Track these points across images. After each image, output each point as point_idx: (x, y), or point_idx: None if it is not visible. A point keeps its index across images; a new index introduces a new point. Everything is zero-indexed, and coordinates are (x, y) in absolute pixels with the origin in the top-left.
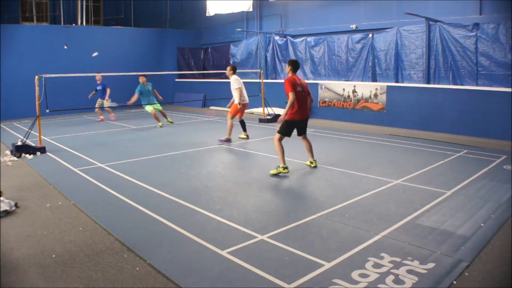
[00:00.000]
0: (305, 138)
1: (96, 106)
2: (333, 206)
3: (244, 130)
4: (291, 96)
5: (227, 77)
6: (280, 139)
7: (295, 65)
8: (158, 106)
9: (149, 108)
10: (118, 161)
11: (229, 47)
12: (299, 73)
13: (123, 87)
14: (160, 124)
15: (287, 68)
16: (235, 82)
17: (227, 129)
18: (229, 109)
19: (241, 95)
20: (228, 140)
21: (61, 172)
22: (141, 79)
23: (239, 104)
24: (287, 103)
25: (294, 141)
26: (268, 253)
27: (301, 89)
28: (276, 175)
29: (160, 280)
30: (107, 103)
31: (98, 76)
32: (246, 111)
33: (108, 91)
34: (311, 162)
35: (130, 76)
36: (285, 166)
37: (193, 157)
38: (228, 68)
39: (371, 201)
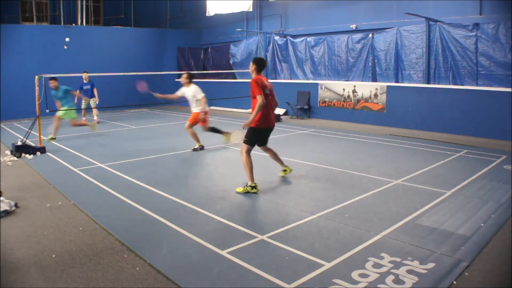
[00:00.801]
0: (267, 148)
1: (82, 107)
2: (333, 206)
3: (221, 132)
4: (259, 99)
5: (227, 77)
6: (248, 151)
7: (260, 64)
8: (69, 114)
9: (59, 113)
10: (118, 161)
11: (229, 47)
12: (299, 73)
13: (122, 87)
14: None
15: (251, 67)
16: (198, 90)
17: (193, 138)
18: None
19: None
20: (202, 148)
21: (61, 172)
22: (52, 84)
23: (203, 113)
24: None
25: (293, 141)
26: (268, 253)
27: (268, 92)
28: (243, 193)
29: (160, 280)
30: (93, 103)
31: (85, 75)
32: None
33: (95, 91)
34: (285, 170)
35: (130, 76)
36: (253, 184)
37: (193, 157)
38: (185, 76)
39: (371, 201)
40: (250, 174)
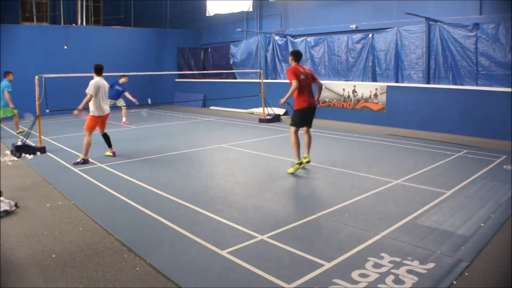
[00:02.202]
0: (308, 132)
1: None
2: (333, 206)
3: (110, 145)
4: (293, 83)
5: (227, 77)
6: (295, 132)
7: (296, 55)
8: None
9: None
10: (118, 161)
11: (229, 47)
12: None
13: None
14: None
15: (290, 59)
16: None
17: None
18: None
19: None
20: (85, 161)
21: (61, 172)
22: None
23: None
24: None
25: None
26: (268, 253)
27: (304, 77)
28: (293, 173)
29: (160, 280)
30: (121, 103)
31: (124, 79)
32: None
33: (127, 94)
34: (305, 157)
35: (130, 76)
36: (299, 161)
37: (193, 157)
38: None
39: (371, 201)
40: (297, 152)
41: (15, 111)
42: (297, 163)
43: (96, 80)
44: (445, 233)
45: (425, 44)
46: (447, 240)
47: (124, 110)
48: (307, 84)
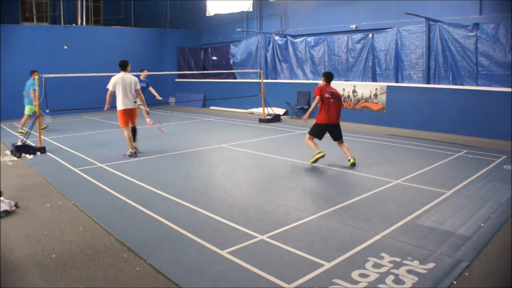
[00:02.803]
0: (341, 145)
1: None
2: (333, 206)
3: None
4: (316, 99)
5: (227, 77)
6: (309, 139)
7: (328, 77)
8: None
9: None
10: (118, 161)
11: (229, 47)
12: (299, 73)
13: None
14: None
15: (322, 79)
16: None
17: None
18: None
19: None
20: (132, 154)
21: (61, 172)
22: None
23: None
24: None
25: (293, 141)
26: (268, 253)
27: (329, 96)
28: (315, 161)
29: (160, 280)
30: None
31: (144, 73)
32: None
33: (152, 89)
34: (350, 159)
35: None
36: (318, 152)
37: (193, 157)
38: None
39: (371, 201)
40: (314, 148)
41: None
42: (316, 154)
43: (117, 75)
44: (445, 233)
45: (425, 44)
46: (447, 240)
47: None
48: (332, 103)
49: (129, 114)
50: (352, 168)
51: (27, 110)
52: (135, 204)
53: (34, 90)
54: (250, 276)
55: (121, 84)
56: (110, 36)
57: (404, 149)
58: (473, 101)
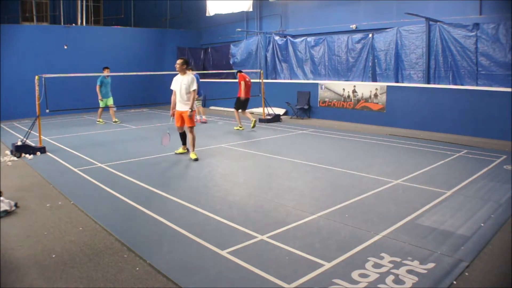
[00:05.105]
0: (244, 112)
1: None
2: (333, 206)
3: (184, 143)
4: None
5: (227, 77)
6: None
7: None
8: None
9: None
10: (118, 161)
11: (229, 47)
12: (299, 73)
13: (123, 87)
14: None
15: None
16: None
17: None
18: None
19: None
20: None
21: (61, 172)
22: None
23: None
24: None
25: (293, 141)
26: (268, 253)
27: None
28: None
29: (160, 280)
30: None
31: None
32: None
33: None
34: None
35: (130, 76)
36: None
37: None
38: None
39: (371, 201)
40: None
41: (101, 102)
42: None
43: (176, 76)
44: (445, 233)
45: (425, 44)
46: (447, 240)
47: (200, 108)
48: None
49: (178, 116)
50: (351, 168)
51: (104, 103)
52: (135, 204)
53: (99, 85)
54: (250, 276)
55: (175, 85)
56: (110, 36)
57: (404, 149)
58: (473, 101)
